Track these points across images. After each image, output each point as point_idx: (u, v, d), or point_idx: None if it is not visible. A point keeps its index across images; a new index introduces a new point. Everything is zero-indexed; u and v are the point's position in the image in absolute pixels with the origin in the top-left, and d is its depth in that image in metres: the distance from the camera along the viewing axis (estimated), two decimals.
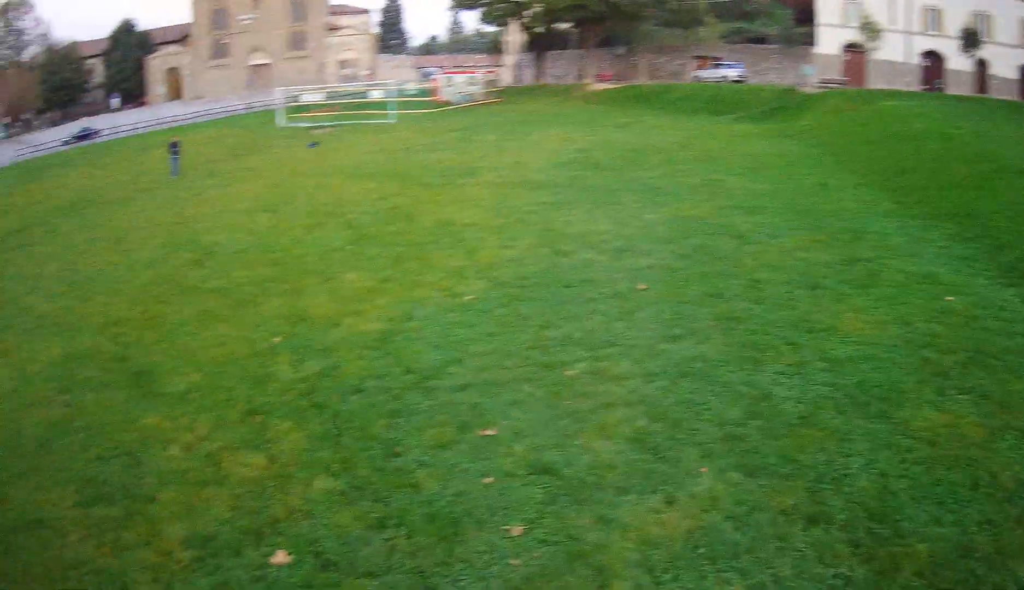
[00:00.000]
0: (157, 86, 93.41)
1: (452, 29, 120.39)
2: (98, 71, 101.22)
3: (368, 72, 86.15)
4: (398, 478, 8.96)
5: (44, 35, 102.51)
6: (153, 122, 68.28)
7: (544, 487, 8.49)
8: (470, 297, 14.77)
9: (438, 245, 18.61)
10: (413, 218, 21.46)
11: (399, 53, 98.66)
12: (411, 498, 8.54)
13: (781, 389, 10.30)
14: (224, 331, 14.65)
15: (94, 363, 14.13)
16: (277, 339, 13.85)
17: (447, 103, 49.13)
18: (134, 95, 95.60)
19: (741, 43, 75.18)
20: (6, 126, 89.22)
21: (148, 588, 7.82)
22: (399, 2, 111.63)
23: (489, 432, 9.73)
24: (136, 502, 9.37)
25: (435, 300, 14.88)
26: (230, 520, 8.61)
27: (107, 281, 19.58)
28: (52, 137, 73.58)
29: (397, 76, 74.07)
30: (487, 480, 8.70)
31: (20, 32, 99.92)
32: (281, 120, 47.47)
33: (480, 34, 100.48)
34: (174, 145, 36.36)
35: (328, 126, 44.00)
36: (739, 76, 61.97)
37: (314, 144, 37.59)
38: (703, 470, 8.54)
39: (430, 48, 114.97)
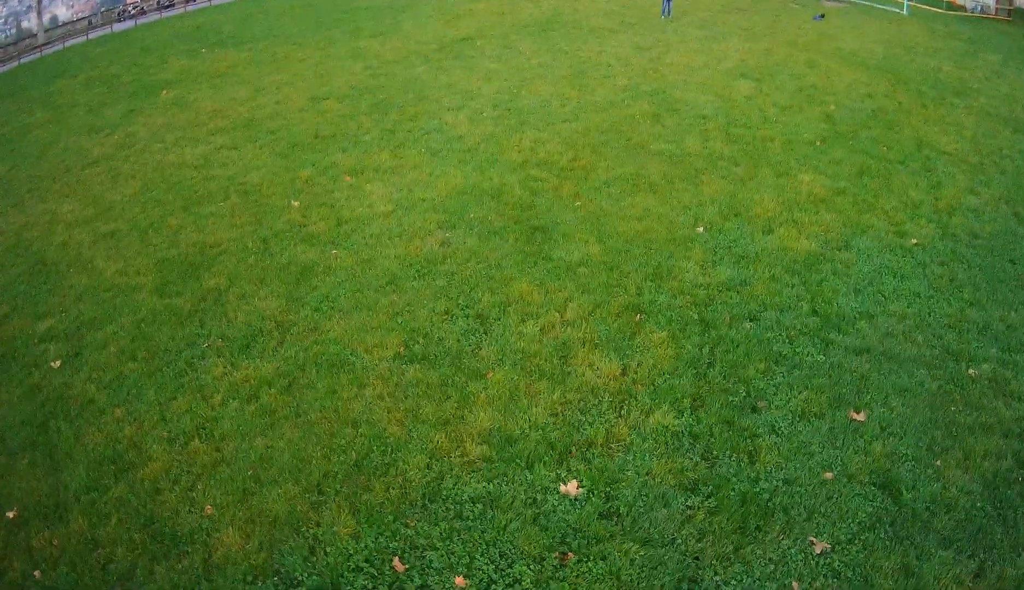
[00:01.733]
0: None
1: None
2: None
3: None
4: (740, 440, 8.70)
5: None
6: None
7: (875, 506, 7.77)
8: (914, 241, 13.59)
9: (906, 167, 17.00)
10: (893, 127, 19.57)
11: None
12: (739, 469, 8.27)
13: None
14: (649, 204, 14.91)
15: (493, 205, 15.13)
16: (701, 228, 13.87)
17: (961, 8, 44.55)
18: None
19: None
20: None
21: (417, 473, 8.34)
22: None
23: (859, 417, 9.04)
24: (460, 373, 10.02)
25: (878, 233, 13.87)
26: (543, 428, 8.97)
27: (547, 115, 20.58)
28: None
29: None
30: (826, 475, 8.16)
31: None
32: None
33: None
34: None
35: (840, 1, 41.86)
36: None
37: (820, 16, 36.15)
38: None
39: None
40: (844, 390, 9.47)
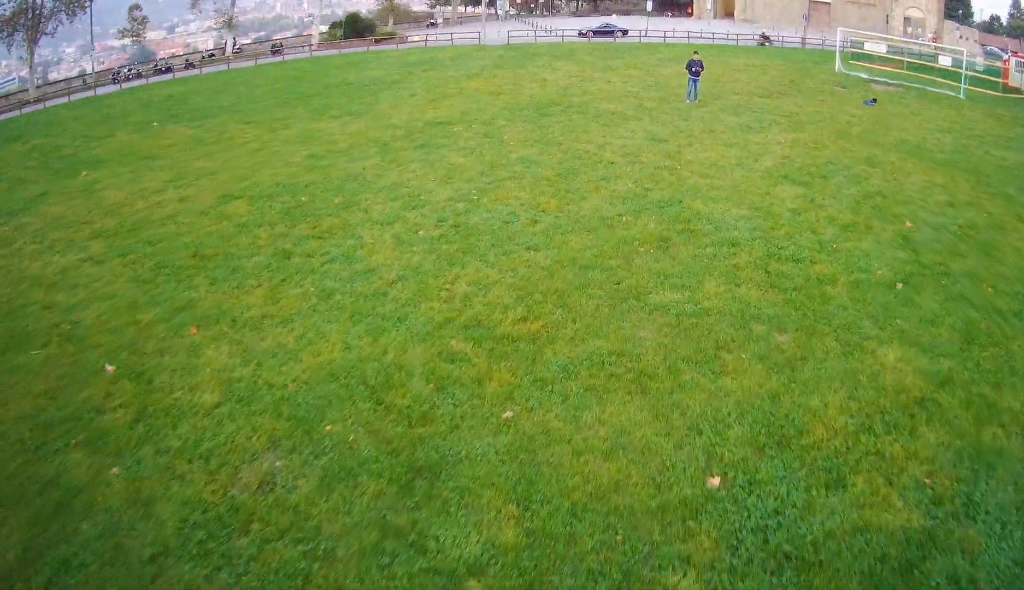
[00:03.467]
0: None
1: (1013, 13, 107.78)
2: None
3: (933, 36, 78.71)
4: None
5: None
6: (691, 35, 65.57)
7: None
8: None
9: None
10: (991, 252, 14.19)
11: (962, 24, 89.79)
12: None
13: None
14: (629, 419, 9.16)
15: (369, 407, 9.99)
16: (715, 479, 8.07)
17: (1016, 89, 41.15)
18: (676, 3, 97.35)
19: None
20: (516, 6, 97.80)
21: None
22: None
23: None
24: None
25: (1012, 467, 8.15)
26: None
27: (506, 236, 15.27)
28: (569, 25, 76.06)
29: (960, 47, 65.95)
30: None
31: None
32: (839, 65, 41.57)
33: None
34: (695, 64, 31.37)
35: (891, 83, 38.11)
36: None
37: (872, 101, 32.57)
38: None
39: (991, 27, 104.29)
40: None
